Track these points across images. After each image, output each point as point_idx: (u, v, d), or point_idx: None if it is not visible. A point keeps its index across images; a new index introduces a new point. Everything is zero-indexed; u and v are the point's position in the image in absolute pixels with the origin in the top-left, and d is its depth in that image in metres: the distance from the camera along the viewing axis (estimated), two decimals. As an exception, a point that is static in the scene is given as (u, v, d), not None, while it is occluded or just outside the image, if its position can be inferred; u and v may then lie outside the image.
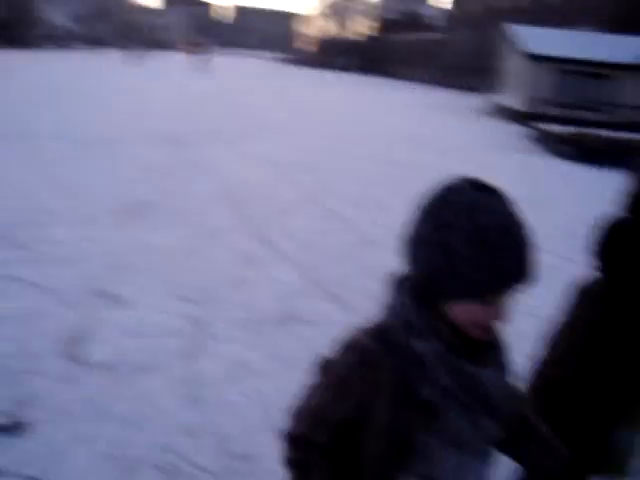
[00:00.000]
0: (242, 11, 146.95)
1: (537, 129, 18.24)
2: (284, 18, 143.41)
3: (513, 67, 27.34)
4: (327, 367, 1.29)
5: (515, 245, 1.12)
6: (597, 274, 1.66)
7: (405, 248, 1.21)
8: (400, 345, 1.19)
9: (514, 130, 21.35)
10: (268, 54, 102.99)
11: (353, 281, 5.47)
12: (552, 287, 5.91)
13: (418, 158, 13.06)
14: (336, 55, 72.02)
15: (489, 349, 1.25)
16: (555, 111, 21.67)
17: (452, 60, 52.60)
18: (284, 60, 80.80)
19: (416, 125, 20.32)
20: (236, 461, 2.99)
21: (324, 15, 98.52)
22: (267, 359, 4.01)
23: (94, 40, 67.17)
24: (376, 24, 75.68)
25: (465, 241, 1.11)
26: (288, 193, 8.65)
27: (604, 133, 15.90)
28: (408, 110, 26.32)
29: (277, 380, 3.74)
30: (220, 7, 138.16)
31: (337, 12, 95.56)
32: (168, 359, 3.89)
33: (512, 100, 26.11)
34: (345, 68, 66.71)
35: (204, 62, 41.12)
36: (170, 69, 38.52)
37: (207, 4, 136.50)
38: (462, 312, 1.17)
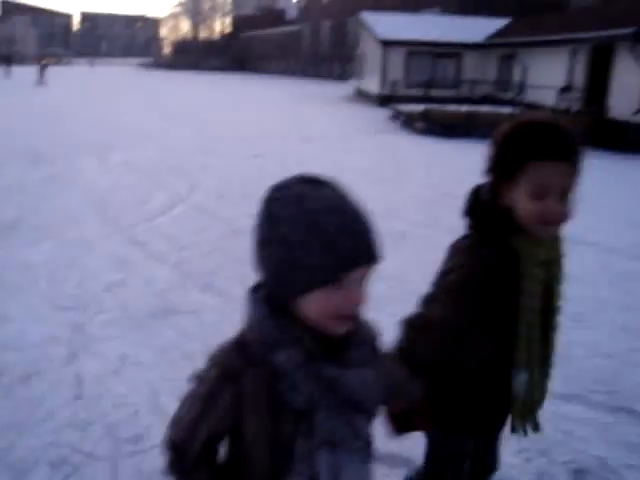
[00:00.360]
0: (91, 17, 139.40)
1: (393, 110, 19.28)
2: (140, 22, 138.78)
3: (368, 53, 28.47)
4: (198, 379, 1.30)
5: (347, 226, 1.13)
6: (468, 231, 1.83)
7: (252, 254, 1.23)
8: (260, 358, 1.20)
9: (374, 113, 22.32)
10: (128, 61, 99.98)
11: (224, 270, 5.75)
12: (404, 250, 6.52)
13: (283, 149, 13.47)
14: (194, 56, 71.22)
15: (353, 346, 1.27)
16: (408, 91, 22.91)
17: (313, 51, 53.56)
18: (144, 66, 78.77)
19: (281, 117, 20.75)
20: (124, 444, 3.17)
21: (178, 16, 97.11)
22: (147, 351, 4.20)
23: None
24: (230, 21, 75.63)
25: (295, 229, 1.13)
26: (158, 196, 8.75)
27: (450, 108, 17.10)
28: (273, 104, 26.70)
29: (158, 368, 3.95)
30: (67, 15, 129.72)
31: (190, 12, 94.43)
32: (50, 365, 3.98)
33: (370, 84, 27.23)
34: (205, 68, 66.09)
35: (56, 74, 39.47)
36: (23, 83, 36.65)
37: (52, 12, 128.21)
38: (314, 305, 1.17)
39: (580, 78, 18.44)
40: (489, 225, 1.75)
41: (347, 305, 1.17)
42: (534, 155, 1.62)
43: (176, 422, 1.34)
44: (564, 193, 1.66)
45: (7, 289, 5.27)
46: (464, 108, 16.53)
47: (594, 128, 16.31)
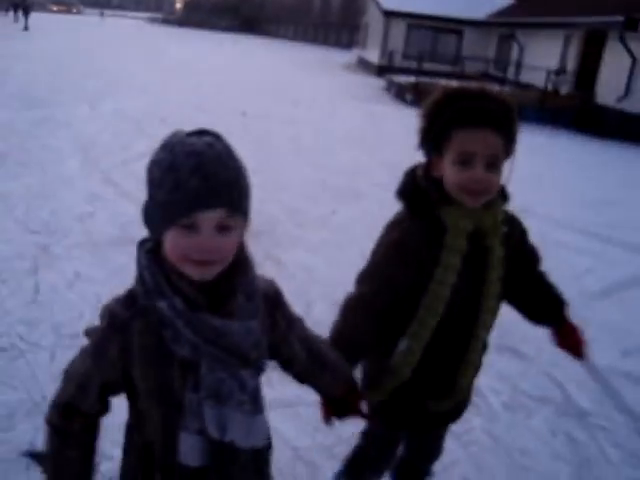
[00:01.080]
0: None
1: (387, 80, 19.64)
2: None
3: (372, 22, 28.61)
4: (87, 334, 1.34)
5: (200, 168, 1.15)
6: (401, 208, 1.81)
7: None
8: (145, 307, 1.23)
9: (370, 82, 22.64)
10: (138, 15, 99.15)
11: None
12: (356, 207, 7.01)
13: (272, 109, 13.89)
14: (205, 14, 70.70)
15: (239, 298, 1.28)
16: (406, 63, 23.20)
17: (322, 17, 53.32)
18: (153, 20, 78.21)
19: (278, 80, 21.08)
20: (66, 339, 3.70)
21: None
22: (102, 270, 4.73)
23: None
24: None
25: (158, 169, 1.19)
26: (140, 143, 9.19)
27: (438, 82, 17.43)
28: (274, 67, 26.92)
29: (108, 284, 4.40)
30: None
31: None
32: (14, 275, 4.52)
33: (371, 54, 27.46)
34: (215, 27, 65.75)
35: (61, 22, 39.36)
36: (37, 28, 36.71)
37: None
38: (168, 245, 1.20)
39: (572, 62, 18.76)
40: (417, 197, 1.74)
41: (194, 249, 1.18)
42: (458, 121, 1.61)
43: (67, 379, 1.38)
44: (491, 162, 1.63)
45: (-15, 214, 5.79)
46: (454, 83, 16.83)
47: (581, 111, 16.71)
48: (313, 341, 1.58)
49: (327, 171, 8.75)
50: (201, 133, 1.22)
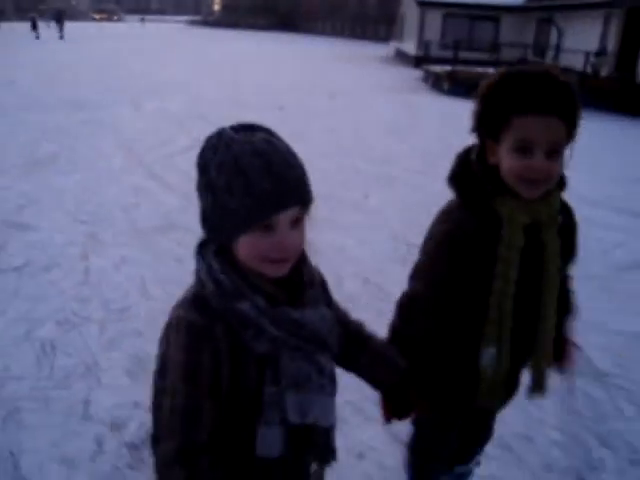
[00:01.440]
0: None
1: (424, 70, 19.72)
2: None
3: (408, 14, 28.61)
4: (163, 365, 1.24)
5: (269, 169, 1.13)
6: (453, 194, 1.71)
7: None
8: (222, 310, 1.19)
9: (408, 74, 22.69)
10: (177, 18, 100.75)
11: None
12: (389, 191, 7.22)
13: (309, 103, 14.18)
14: (242, 14, 71.42)
15: (307, 287, 1.29)
16: (443, 53, 23.14)
17: (359, 11, 53.33)
18: (192, 23, 79.40)
19: (314, 75, 21.39)
20: (114, 313, 4.05)
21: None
22: (145, 254, 5.07)
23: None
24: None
25: (221, 173, 1.14)
26: (180, 139, 9.60)
27: (474, 69, 17.43)
28: (310, 63, 27.18)
29: (151, 266, 4.81)
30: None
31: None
32: (67, 260, 4.90)
33: (408, 46, 27.47)
34: (252, 27, 66.41)
35: (105, 29, 40.40)
36: (80, 38, 37.88)
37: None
38: (244, 249, 1.18)
39: (613, 43, 18.48)
40: (470, 186, 1.63)
41: (274, 249, 1.17)
42: (518, 108, 1.50)
43: (164, 426, 1.22)
44: (552, 150, 1.52)
45: (40, 207, 6.22)
46: (490, 70, 16.81)
47: (622, 93, 16.45)
48: (351, 322, 1.59)
49: (361, 159, 8.97)
50: (248, 128, 1.20)
